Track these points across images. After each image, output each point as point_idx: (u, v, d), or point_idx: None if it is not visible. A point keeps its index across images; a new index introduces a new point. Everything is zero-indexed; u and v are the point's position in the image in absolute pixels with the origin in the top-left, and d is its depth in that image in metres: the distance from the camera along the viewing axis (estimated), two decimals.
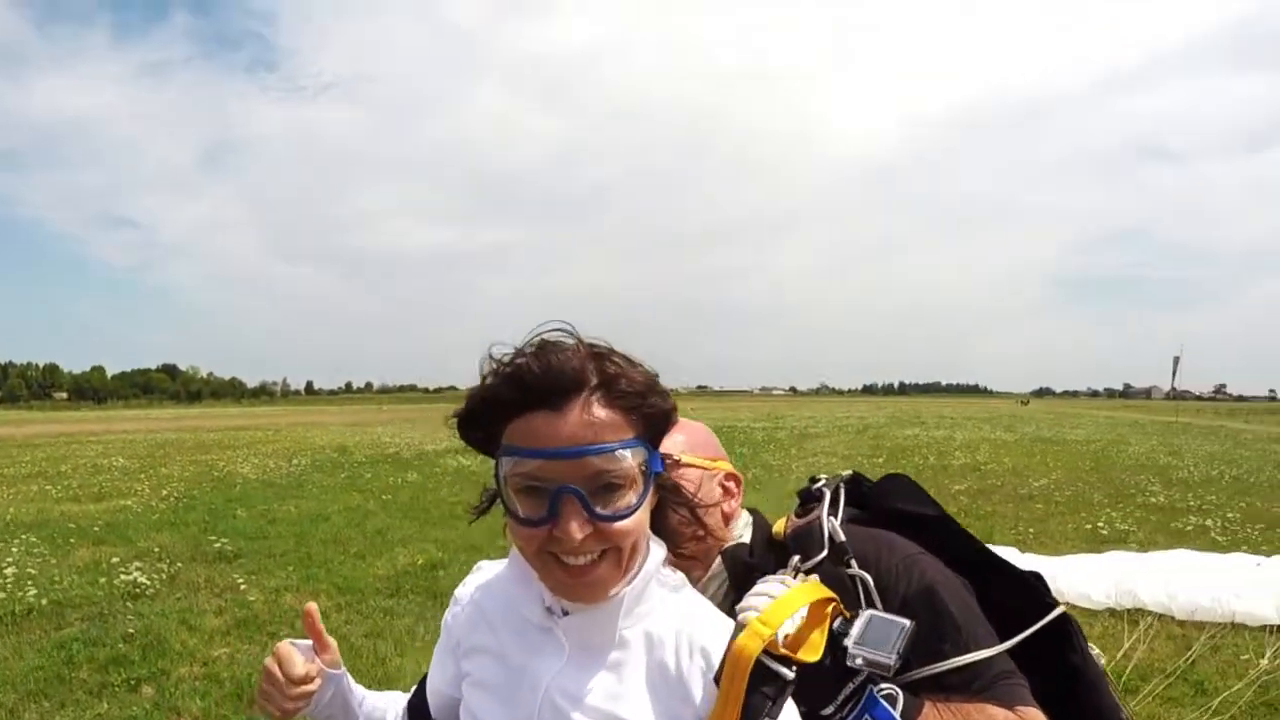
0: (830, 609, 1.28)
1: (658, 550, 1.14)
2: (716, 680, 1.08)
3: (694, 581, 1.33)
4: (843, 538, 1.48)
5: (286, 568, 8.03)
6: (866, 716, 1.28)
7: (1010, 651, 1.38)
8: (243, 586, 7.26)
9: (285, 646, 1.33)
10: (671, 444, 1.50)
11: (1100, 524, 10.11)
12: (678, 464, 1.50)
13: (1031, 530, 9.88)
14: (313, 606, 1.35)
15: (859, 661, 1.26)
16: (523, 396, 1.00)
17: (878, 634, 1.27)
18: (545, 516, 1.01)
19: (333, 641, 1.38)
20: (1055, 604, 1.47)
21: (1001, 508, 11.75)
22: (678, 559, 1.20)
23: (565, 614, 1.12)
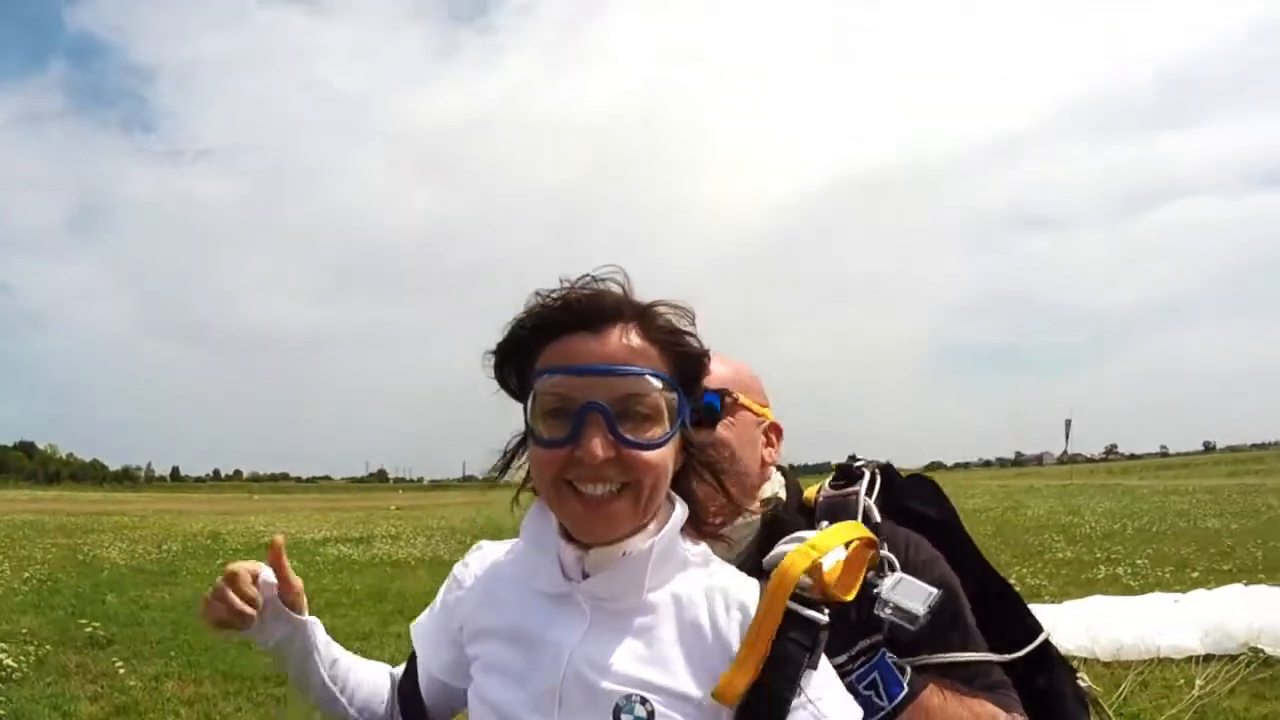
0: (871, 555, 1.28)
1: (681, 510, 1.12)
2: None
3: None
4: (878, 518, 1.50)
5: (166, 654, 7.53)
6: (875, 674, 1.31)
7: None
8: (121, 671, 6.76)
9: (246, 562, 1.31)
10: (725, 380, 1.48)
11: (1011, 580, 10.31)
12: (737, 402, 1.50)
13: None
14: (280, 539, 1.32)
15: (889, 610, 1.27)
16: (564, 317, 1.05)
17: (909, 589, 1.29)
18: (569, 435, 1.02)
19: (299, 583, 1.32)
20: (1040, 628, 1.53)
21: None
22: (704, 536, 1.17)
23: (586, 577, 1.09)
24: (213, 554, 17.05)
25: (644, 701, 1.03)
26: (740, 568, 1.24)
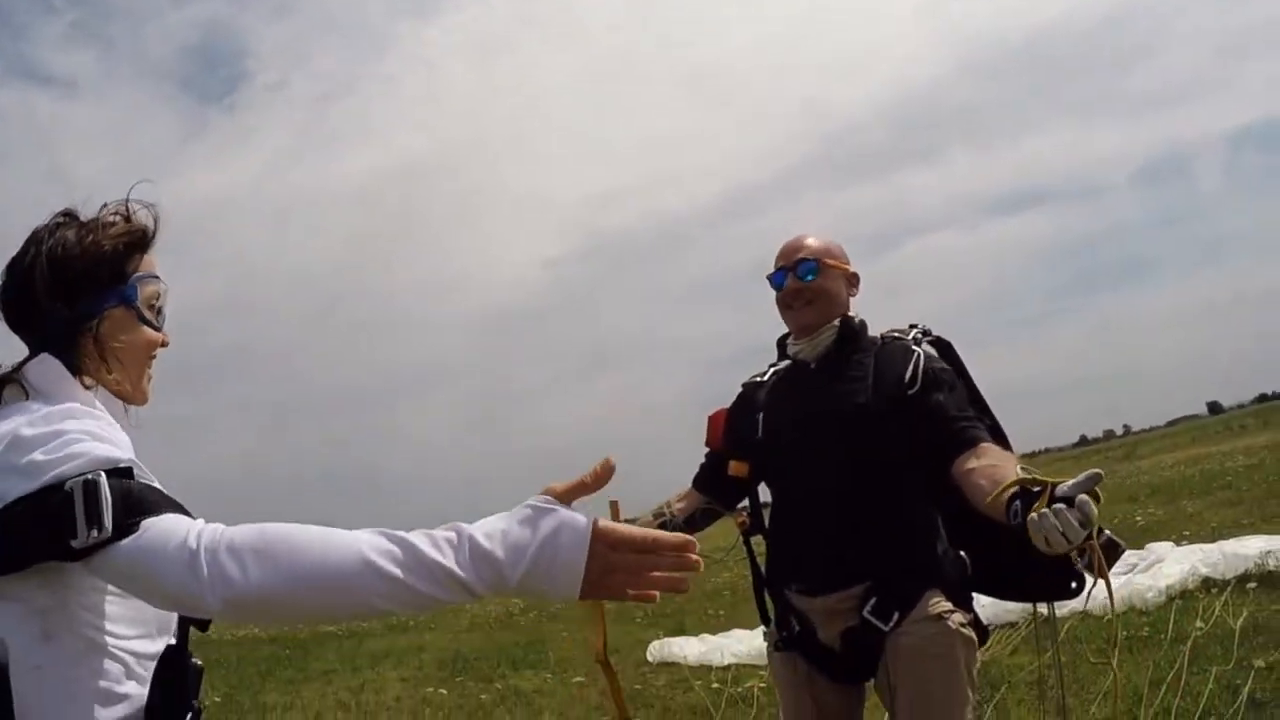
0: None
1: None
2: None
3: (810, 331, 2.39)
4: (932, 351, 2.34)
5: None
6: None
7: None
8: None
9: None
10: (818, 251, 2.40)
11: None
12: (827, 264, 2.39)
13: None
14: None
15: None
16: (147, 238, 1.47)
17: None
18: (160, 326, 1.47)
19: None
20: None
21: None
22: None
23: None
24: None
25: None
26: (821, 362, 2.36)
